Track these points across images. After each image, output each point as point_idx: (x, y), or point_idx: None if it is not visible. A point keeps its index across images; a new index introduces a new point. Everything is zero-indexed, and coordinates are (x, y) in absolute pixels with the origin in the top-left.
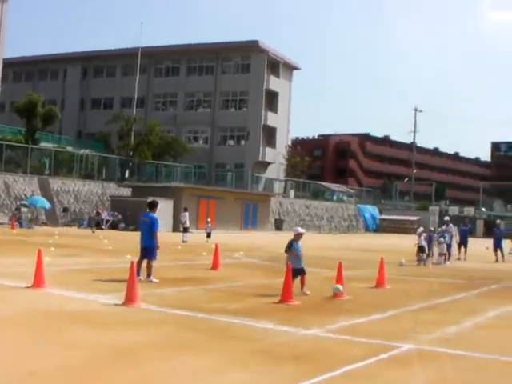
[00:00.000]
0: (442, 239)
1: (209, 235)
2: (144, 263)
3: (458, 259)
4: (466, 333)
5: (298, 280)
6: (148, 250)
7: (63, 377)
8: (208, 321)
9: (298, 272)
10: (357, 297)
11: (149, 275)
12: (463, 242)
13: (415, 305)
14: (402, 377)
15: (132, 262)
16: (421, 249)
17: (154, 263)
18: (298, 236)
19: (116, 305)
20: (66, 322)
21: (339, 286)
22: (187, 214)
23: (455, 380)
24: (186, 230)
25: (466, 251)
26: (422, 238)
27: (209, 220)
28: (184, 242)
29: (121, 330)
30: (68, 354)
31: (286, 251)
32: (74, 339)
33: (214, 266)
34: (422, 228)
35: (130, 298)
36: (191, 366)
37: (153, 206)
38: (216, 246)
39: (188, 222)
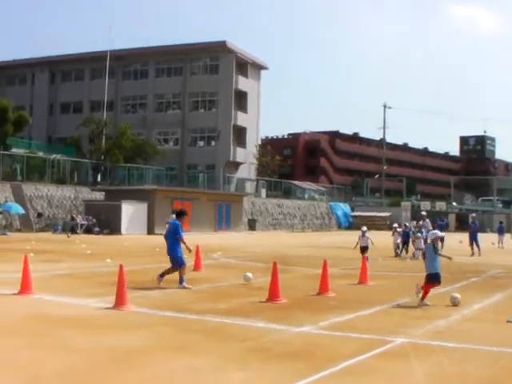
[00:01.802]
0: (419, 234)
1: None
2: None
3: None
4: (455, 325)
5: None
6: (171, 259)
7: (66, 382)
8: (201, 321)
9: (436, 277)
10: (342, 294)
11: (180, 281)
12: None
13: (401, 300)
14: (401, 370)
15: (121, 266)
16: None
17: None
18: (437, 240)
19: (107, 308)
20: (61, 327)
21: (457, 295)
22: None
23: (453, 371)
24: None
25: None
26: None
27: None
28: None
29: (116, 333)
30: (68, 358)
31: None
32: (72, 344)
33: (197, 267)
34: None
35: (120, 301)
36: (191, 366)
37: (180, 214)
38: (197, 247)
39: None
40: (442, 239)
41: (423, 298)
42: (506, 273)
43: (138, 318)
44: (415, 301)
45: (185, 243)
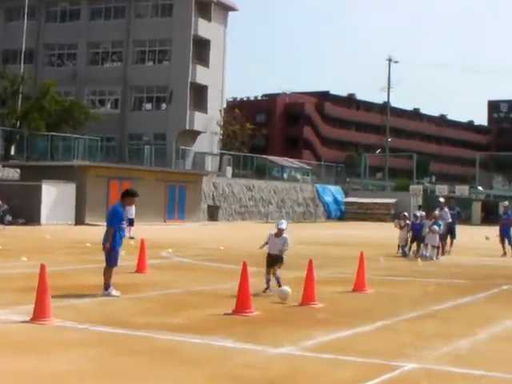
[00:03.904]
0: (435, 227)
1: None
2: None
3: (448, 253)
4: (481, 347)
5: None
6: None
7: None
8: (147, 340)
9: None
10: (332, 304)
11: (104, 286)
12: (451, 231)
13: (409, 313)
14: None
15: (42, 266)
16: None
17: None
18: None
19: (23, 322)
20: None
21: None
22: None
23: None
24: (131, 222)
25: (452, 242)
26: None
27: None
28: (131, 238)
29: (38, 354)
30: None
31: None
32: None
33: (140, 269)
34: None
35: (40, 313)
36: None
37: (123, 195)
38: (142, 242)
39: (134, 212)
40: (452, 233)
41: None
42: None
43: (65, 334)
44: None
45: (110, 235)
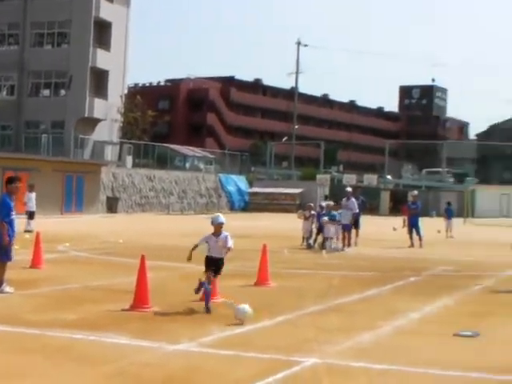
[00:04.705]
0: (325, 218)
1: None
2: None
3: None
4: (385, 341)
5: None
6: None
7: None
8: (40, 337)
9: None
10: (232, 298)
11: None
12: (356, 221)
13: (312, 306)
14: None
15: None
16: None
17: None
18: None
19: None
20: None
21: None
22: (34, 194)
23: None
24: (31, 215)
25: (357, 233)
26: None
27: None
28: (27, 231)
29: None
30: None
31: None
32: None
33: (35, 263)
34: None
35: None
36: None
37: (8, 182)
38: (37, 235)
39: (34, 204)
40: (355, 223)
41: None
42: (455, 271)
43: None
44: None
45: (3, 228)
